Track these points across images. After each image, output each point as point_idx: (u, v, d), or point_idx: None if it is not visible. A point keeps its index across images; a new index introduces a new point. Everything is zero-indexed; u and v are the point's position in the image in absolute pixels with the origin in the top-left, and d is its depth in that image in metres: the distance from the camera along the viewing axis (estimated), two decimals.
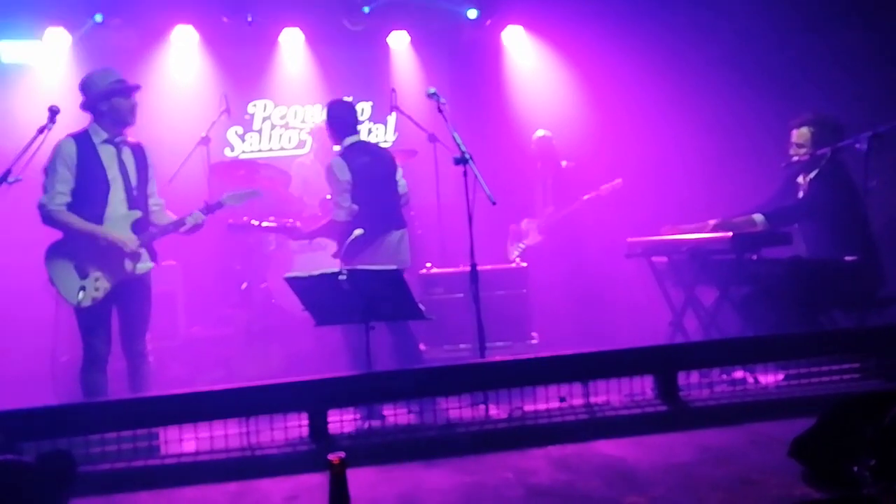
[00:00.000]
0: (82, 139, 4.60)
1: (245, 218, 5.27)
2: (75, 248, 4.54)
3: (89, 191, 4.55)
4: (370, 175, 5.15)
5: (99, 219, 4.55)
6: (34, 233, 4.73)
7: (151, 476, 3.21)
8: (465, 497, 2.91)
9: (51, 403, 3.77)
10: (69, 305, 4.56)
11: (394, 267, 4.38)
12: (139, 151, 4.77)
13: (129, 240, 4.56)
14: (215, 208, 4.86)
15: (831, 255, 4.61)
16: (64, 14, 7.34)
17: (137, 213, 4.66)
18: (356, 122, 5.34)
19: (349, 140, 5.23)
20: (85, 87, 4.65)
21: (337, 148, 5.29)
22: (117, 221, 4.59)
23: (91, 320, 4.54)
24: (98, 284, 4.53)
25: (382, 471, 3.22)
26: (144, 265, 4.69)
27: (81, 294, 4.47)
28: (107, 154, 4.61)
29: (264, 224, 5.27)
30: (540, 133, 7.20)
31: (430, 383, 3.81)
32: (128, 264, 4.58)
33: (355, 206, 5.08)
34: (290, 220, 5.48)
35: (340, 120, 5.24)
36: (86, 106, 4.65)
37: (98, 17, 7.25)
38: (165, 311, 5.95)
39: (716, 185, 6.26)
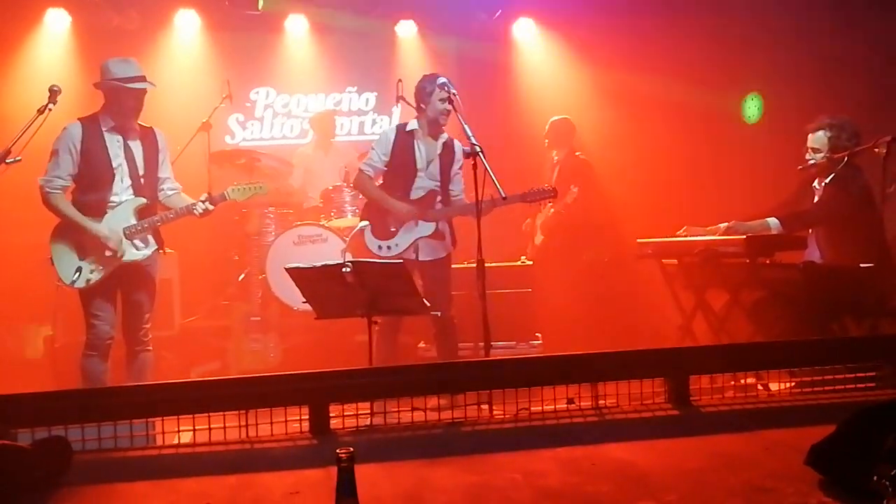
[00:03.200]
0: (90, 124, 4.61)
1: None
2: (78, 229, 4.55)
3: (94, 177, 4.57)
4: None
5: (103, 205, 4.57)
6: (33, 214, 4.70)
7: (149, 466, 3.11)
8: (472, 497, 2.81)
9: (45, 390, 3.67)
10: (67, 287, 4.56)
11: (399, 261, 4.29)
12: (150, 138, 4.76)
13: (110, 238, 4.53)
14: (218, 201, 4.78)
15: (846, 261, 4.54)
16: None
17: (143, 201, 4.67)
18: None
19: None
20: (102, 70, 4.66)
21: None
22: (122, 208, 4.60)
23: (91, 302, 4.56)
24: (94, 266, 4.53)
25: (385, 468, 3.12)
26: (143, 252, 4.63)
27: (77, 275, 4.51)
28: (113, 142, 4.62)
29: None
30: (557, 117, 7.00)
31: (435, 380, 3.73)
32: (117, 252, 4.55)
33: None
34: None
35: None
36: (99, 87, 4.67)
37: None
38: (162, 301, 5.81)
39: (729, 188, 6.19)
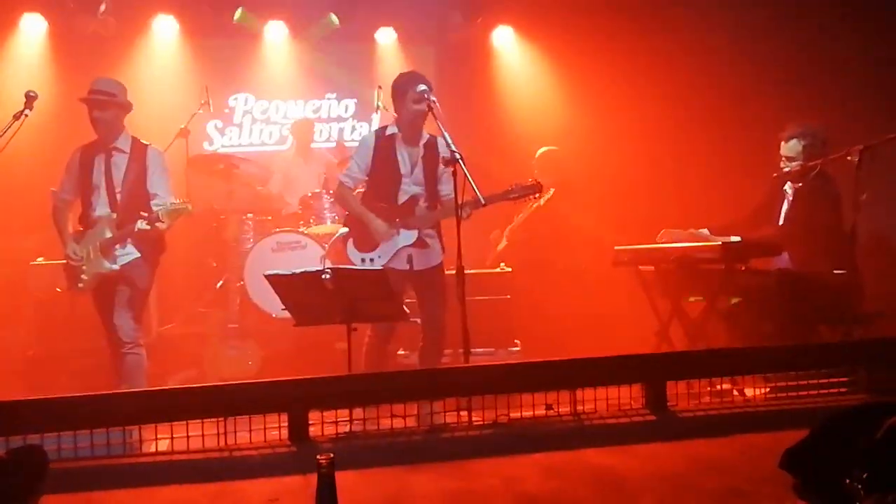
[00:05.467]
0: (89, 147, 4.89)
1: None
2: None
3: (83, 195, 4.88)
4: None
5: (88, 219, 4.85)
6: (11, 221, 4.66)
7: (127, 474, 3.09)
8: (452, 503, 2.83)
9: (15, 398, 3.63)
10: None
11: (378, 267, 4.29)
12: (138, 155, 4.87)
13: (70, 256, 4.82)
14: (154, 221, 4.67)
15: (819, 268, 4.60)
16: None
17: (113, 215, 4.79)
18: None
19: None
20: None
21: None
22: (99, 224, 4.78)
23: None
24: (83, 276, 4.79)
25: (365, 474, 3.12)
26: (111, 265, 4.75)
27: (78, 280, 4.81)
28: (98, 161, 4.85)
29: None
30: (543, 149, 6.93)
31: (414, 386, 3.72)
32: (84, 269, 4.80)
33: None
34: None
35: None
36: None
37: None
38: None
39: (707, 193, 6.23)
